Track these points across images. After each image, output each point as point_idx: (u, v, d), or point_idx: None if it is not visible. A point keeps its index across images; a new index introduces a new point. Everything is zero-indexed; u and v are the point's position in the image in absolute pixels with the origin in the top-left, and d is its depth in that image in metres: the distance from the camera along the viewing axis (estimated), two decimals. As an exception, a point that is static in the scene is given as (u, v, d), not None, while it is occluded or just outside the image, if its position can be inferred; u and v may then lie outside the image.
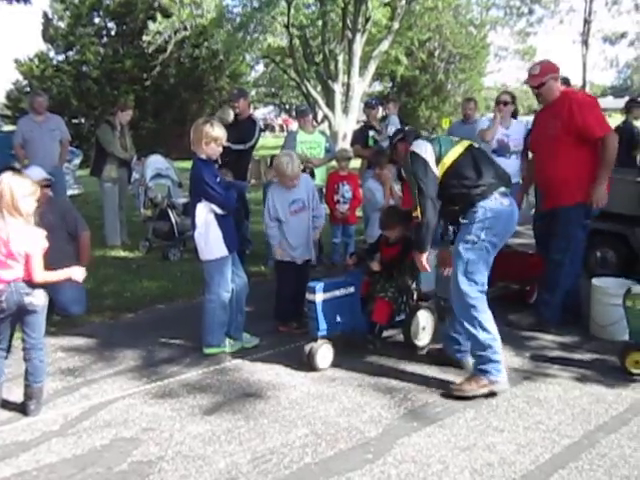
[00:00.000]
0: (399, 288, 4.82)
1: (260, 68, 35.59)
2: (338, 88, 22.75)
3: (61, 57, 23.54)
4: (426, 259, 4.29)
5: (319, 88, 24.82)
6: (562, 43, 79.52)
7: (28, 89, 22.54)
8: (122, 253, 8.08)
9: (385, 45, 23.02)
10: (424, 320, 4.92)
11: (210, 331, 4.79)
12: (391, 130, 8.41)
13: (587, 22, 29.22)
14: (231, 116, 7.20)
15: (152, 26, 20.28)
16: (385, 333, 4.95)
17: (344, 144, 18.34)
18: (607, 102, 34.73)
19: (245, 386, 4.25)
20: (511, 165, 6.65)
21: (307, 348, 4.48)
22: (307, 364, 4.45)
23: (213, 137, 4.58)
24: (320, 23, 23.61)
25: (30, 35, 27.35)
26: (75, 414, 3.90)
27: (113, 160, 8.31)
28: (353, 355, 4.70)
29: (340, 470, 3.24)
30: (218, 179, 4.66)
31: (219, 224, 4.65)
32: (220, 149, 4.70)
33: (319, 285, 4.49)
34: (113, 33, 23.49)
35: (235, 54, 23.61)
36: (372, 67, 23.00)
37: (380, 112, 8.87)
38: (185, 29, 21.22)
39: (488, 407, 3.91)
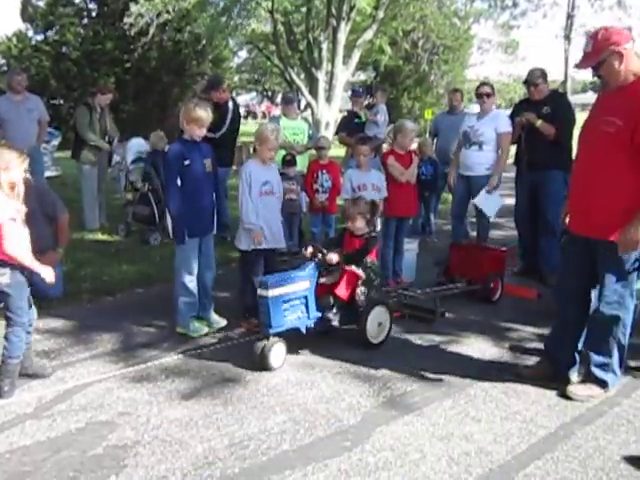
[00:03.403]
0: (363, 279, 4.69)
1: (243, 54, 35.36)
2: (322, 76, 22.64)
3: (40, 37, 23.08)
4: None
5: (302, 76, 24.68)
6: (545, 37, 79.87)
7: (5, 68, 22.11)
8: (101, 236, 7.98)
9: (369, 34, 22.93)
10: (381, 316, 4.73)
11: (176, 311, 4.91)
12: (380, 119, 8.44)
13: (570, 17, 29.40)
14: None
15: (134, 8, 19.94)
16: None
17: (327, 133, 18.31)
18: (587, 98, 35.05)
19: (224, 371, 4.23)
20: (470, 156, 6.68)
21: (259, 346, 4.24)
22: (258, 363, 4.23)
23: (193, 118, 4.65)
24: (304, 10, 23.45)
25: (8, 14, 26.82)
26: (50, 397, 3.85)
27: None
28: (333, 343, 4.70)
29: (318, 457, 3.23)
30: (187, 161, 4.65)
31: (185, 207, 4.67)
32: (203, 132, 4.70)
33: (271, 279, 4.30)
34: (94, 14, 23.08)
35: (218, 39, 23.35)
36: (356, 56, 22.90)
37: (365, 101, 8.86)
38: (167, 12, 20.88)
39: (466, 397, 3.93)
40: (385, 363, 4.40)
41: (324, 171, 7.07)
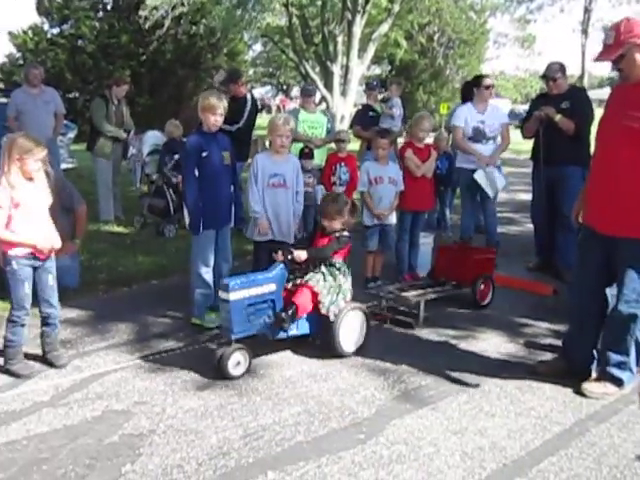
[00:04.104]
0: (329, 284, 4.36)
1: (258, 47, 35.35)
2: (337, 70, 22.61)
3: (56, 30, 23.16)
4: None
5: (317, 69, 24.66)
6: (562, 32, 79.24)
7: (22, 62, 22.23)
8: (116, 228, 8.03)
9: (385, 28, 22.86)
10: (355, 323, 4.45)
11: (192, 302, 4.92)
12: (396, 112, 8.42)
13: (587, 11, 29.19)
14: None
15: (149, 1, 19.97)
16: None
17: (342, 126, 18.26)
18: (604, 93, 34.74)
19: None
20: (485, 151, 6.68)
21: (218, 352, 4.01)
22: (217, 370, 3.98)
23: (205, 105, 4.68)
24: (320, 3, 23.40)
25: (24, 7, 27.01)
26: (66, 385, 3.89)
27: (107, 135, 8.23)
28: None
29: (332, 449, 3.24)
30: (205, 153, 4.66)
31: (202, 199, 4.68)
32: (217, 120, 4.72)
33: (233, 282, 4.03)
34: (109, 7, 23.14)
35: (233, 32, 23.35)
36: (371, 50, 22.84)
37: (380, 95, 8.84)
38: (182, 5, 20.92)
39: (481, 392, 3.92)
40: (400, 357, 4.39)
41: (342, 164, 7.06)
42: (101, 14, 22.84)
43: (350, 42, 21.83)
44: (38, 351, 4.22)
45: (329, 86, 22.37)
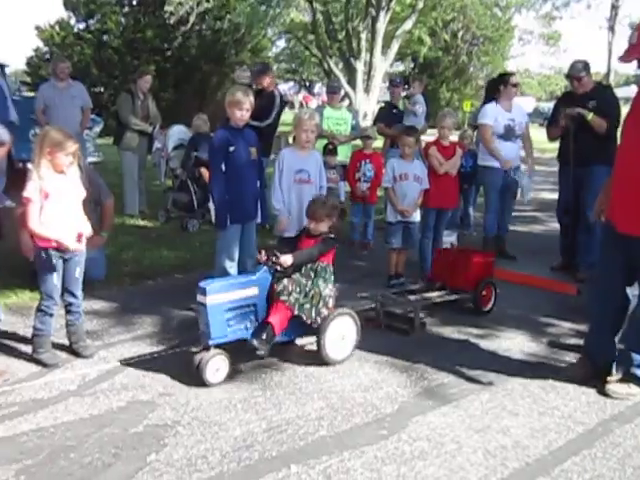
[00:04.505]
0: (307, 292, 4.15)
1: (281, 44, 35.40)
2: (360, 66, 22.60)
3: (82, 25, 23.40)
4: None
5: (341, 66, 24.65)
6: (588, 29, 78.23)
7: (48, 56, 22.50)
8: (141, 222, 8.12)
9: (409, 24, 22.81)
10: (343, 329, 4.24)
11: None
12: (419, 109, 8.42)
13: (614, 7, 28.81)
14: (242, 79, 7.22)
15: (174, -4, 20.19)
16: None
17: (364, 123, 18.24)
18: (631, 91, 34.20)
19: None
20: (514, 149, 6.69)
21: (196, 358, 3.84)
22: (196, 377, 3.82)
23: (231, 101, 4.72)
24: (344, -1, 23.41)
25: (51, 2, 27.28)
26: (93, 375, 3.95)
27: (133, 129, 8.32)
28: (371, 334, 4.69)
29: (355, 444, 3.26)
30: (232, 148, 4.68)
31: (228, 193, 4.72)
32: (243, 114, 4.74)
33: (211, 286, 3.86)
34: (135, 2, 23.33)
35: (257, 28, 23.45)
36: (395, 46, 22.81)
37: (403, 92, 8.83)
38: (207, 1, 21.07)
39: (503, 391, 3.91)
40: (423, 355, 4.40)
41: (367, 161, 7.09)
42: (127, 9, 23.03)
43: (374, 39, 21.83)
44: (65, 341, 4.30)
45: (352, 83, 22.38)
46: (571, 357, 4.41)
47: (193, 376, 3.86)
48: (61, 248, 3.96)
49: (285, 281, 4.08)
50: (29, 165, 5.70)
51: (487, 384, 3.99)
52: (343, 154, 7.24)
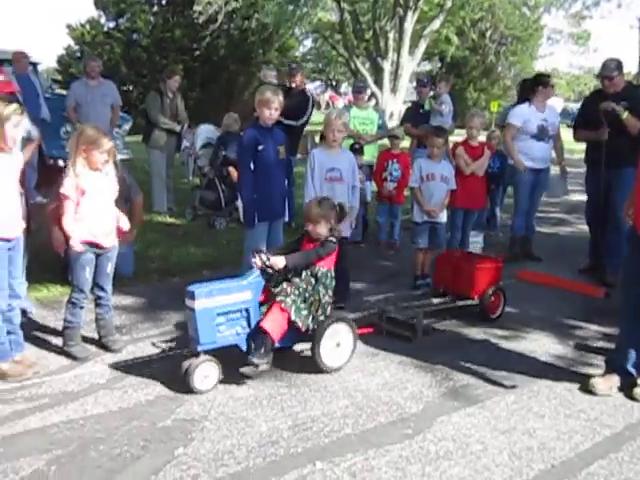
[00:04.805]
0: (307, 297, 4.00)
1: (308, 43, 35.41)
2: (387, 66, 22.55)
3: (112, 24, 23.68)
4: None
5: (367, 65, 24.61)
6: (618, 28, 77.00)
7: (79, 54, 22.81)
8: (168, 219, 8.21)
9: (436, 24, 22.70)
10: (339, 336, 4.10)
11: None
12: (445, 109, 8.39)
13: (647, 7, 28.28)
14: (268, 78, 7.27)
15: (203, -4, 20.31)
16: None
17: (391, 123, 18.21)
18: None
19: (287, 354, 4.27)
20: (546, 150, 6.68)
21: (184, 364, 3.72)
22: (184, 383, 3.71)
23: (261, 100, 4.77)
24: (371, -1, 23.37)
25: (82, 1, 27.72)
26: (121, 369, 4.02)
27: (162, 128, 8.41)
28: (396, 334, 4.71)
29: (380, 442, 3.27)
30: (261, 147, 4.71)
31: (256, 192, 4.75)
32: (272, 113, 4.79)
33: (199, 289, 3.72)
34: (164, 2, 23.54)
35: (285, 27, 23.51)
36: (422, 46, 22.72)
37: (430, 92, 8.80)
38: (236, 0, 21.18)
39: (529, 392, 3.90)
40: (447, 355, 4.40)
41: (394, 160, 7.10)
42: (156, 8, 23.25)
43: (401, 38, 21.77)
44: (95, 335, 4.38)
45: (379, 82, 22.34)
46: (598, 360, 4.35)
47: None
48: (94, 243, 4.03)
49: (284, 284, 3.96)
50: (60, 162, 5.91)
51: (512, 386, 3.97)
52: (370, 154, 7.26)
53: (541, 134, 6.67)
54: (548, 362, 4.39)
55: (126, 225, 4.25)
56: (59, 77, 23.85)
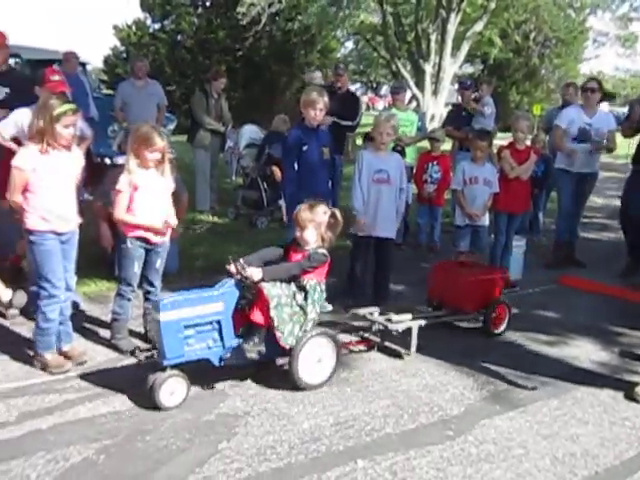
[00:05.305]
0: (292, 307, 3.76)
1: (349, 45, 35.45)
2: (429, 68, 22.42)
3: (157, 25, 24.08)
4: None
5: (409, 67, 24.52)
6: (668, 32, 74.94)
7: (125, 55, 23.27)
8: (211, 218, 8.32)
9: (480, 26, 22.47)
10: (320, 351, 3.85)
11: None
12: (487, 111, 8.34)
13: (697, 10, 27.56)
14: (315, 80, 7.35)
15: (246, -2, 20.51)
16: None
17: (432, 125, 18.13)
18: None
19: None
20: (587, 153, 6.58)
21: (150, 379, 3.51)
22: (149, 399, 3.51)
23: (306, 101, 4.85)
24: (414, 0, 23.25)
25: (129, 3, 28.34)
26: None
27: (206, 128, 8.53)
28: (436, 333, 4.69)
29: (420, 443, 3.29)
30: (305, 147, 4.76)
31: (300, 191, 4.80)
32: (318, 114, 4.84)
33: (165, 301, 3.52)
34: (208, 4, 23.85)
35: (327, 29, 23.59)
36: (465, 48, 22.51)
37: (472, 94, 8.76)
38: (279, 2, 21.32)
39: (572, 399, 3.87)
40: (489, 358, 4.39)
41: (435, 162, 7.09)
42: (200, 10, 23.56)
43: (444, 40, 21.61)
44: (142, 330, 4.47)
45: (420, 85, 22.22)
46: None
47: (262, 369, 3.95)
48: (145, 238, 4.13)
49: (278, 283, 3.74)
50: (106, 160, 6.04)
51: (556, 391, 3.95)
52: (410, 156, 7.25)
53: (581, 136, 6.57)
54: (591, 369, 4.35)
55: (174, 222, 4.33)
56: (105, 77, 24.34)
